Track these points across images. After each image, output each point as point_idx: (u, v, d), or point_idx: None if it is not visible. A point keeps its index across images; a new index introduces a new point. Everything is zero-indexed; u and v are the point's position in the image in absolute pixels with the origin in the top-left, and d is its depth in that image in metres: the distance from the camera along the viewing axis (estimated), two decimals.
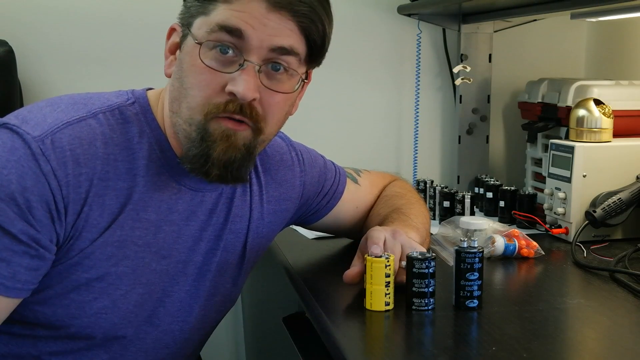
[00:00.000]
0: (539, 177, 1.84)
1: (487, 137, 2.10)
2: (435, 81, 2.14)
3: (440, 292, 1.14)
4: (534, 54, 2.17)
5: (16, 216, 0.97)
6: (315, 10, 1.05)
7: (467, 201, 1.72)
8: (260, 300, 1.85)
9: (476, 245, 1.14)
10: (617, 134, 1.58)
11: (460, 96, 2.07)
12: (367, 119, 2.12)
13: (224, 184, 1.13)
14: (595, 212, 1.49)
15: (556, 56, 2.17)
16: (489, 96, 2.08)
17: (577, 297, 1.27)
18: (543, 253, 1.43)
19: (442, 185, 1.81)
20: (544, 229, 1.59)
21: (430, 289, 1.12)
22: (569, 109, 1.66)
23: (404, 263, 1.14)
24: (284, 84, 1.07)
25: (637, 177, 1.53)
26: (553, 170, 1.60)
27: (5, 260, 0.98)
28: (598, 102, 1.58)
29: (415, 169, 2.12)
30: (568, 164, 1.54)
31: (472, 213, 1.74)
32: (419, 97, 2.11)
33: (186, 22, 1.06)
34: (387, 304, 1.12)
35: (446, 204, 1.75)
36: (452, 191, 1.76)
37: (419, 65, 2.09)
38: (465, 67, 2.00)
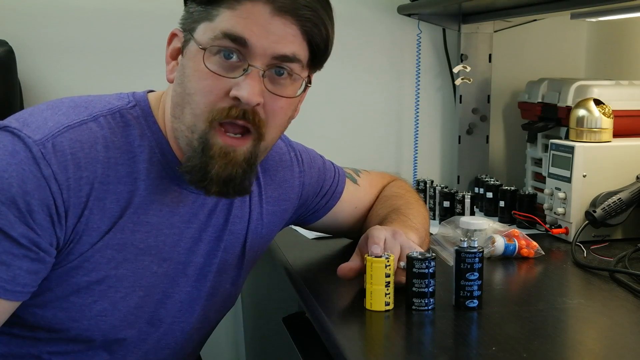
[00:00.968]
0: (539, 177, 1.83)
1: (487, 137, 2.10)
2: (435, 81, 2.14)
3: (440, 292, 1.14)
4: (534, 54, 2.17)
5: (17, 220, 0.97)
6: (318, 14, 1.05)
7: (467, 201, 1.72)
8: (260, 300, 1.85)
9: (476, 245, 1.14)
10: (617, 134, 1.58)
11: (460, 96, 2.07)
12: (367, 118, 2.12)
13: (225, 198, 1.13)
14: (595, 212, 1.49)
15: (556, 56, 2.17)
16: (489, 96, 2.08)
17: (577, 297, 1.27)
18: (543, 253, 1.43)
19: (442, 185, 1.81)
20: (544, 229, 1.59)
21: (430, 289, 1.12)
22: (569, 109, 1.66)
23: (402, 264, 1.14)
24: (287, 88, 1.06)
25: (637, 177, 1.53)
26: (553, 170, 1.60)
27: (5, 264, 0.98)
28: (598, 102, 1.58)
29: (415, 169, 2.12)
30: (568, 164, 1.54)
31: (472, 213, 1.74)
32: (419, 97, 2.11)
33: (189, 27, 1.05)
34: (387, 304, 1.12)
35: (446, 204, 1.75)
36: (452, 191, 1.76)
37: (419, 65, 2.09)
38: (465, 67, 2.00)
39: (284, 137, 1.32)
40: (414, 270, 1.11)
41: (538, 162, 1.85)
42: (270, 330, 1.65)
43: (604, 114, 1.56)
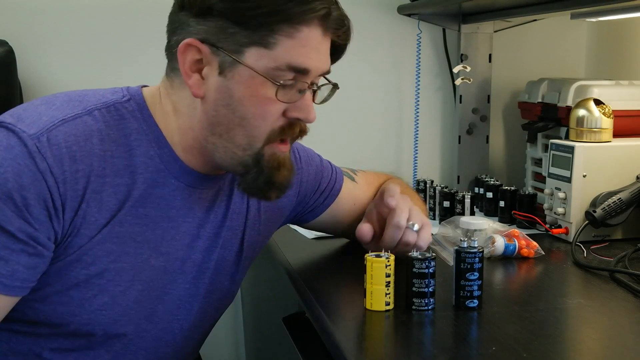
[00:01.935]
0: (539, 177, 1.84)
1: (487, 137, 2.10)
2: (435, 81, 2.14)
3: (440, 292, 1.14)
4: (534, 54, 2.17)
5: (13, 214, 0.97)
6: (349, 29, 1.10)
7: (467, 201, 1.72)
8: (260, 300, 1.85)
9: (476, 245, 1.14)
10: (617, 134, 1.58)
11: (460, 96, 2.07)
12: (367, 118, 2.12)
13: (274, 200, 1.17)
14: (595, 212, 1.49)
15: (556, 56, 2.17)
16: (489, 96, 2.08)
17: (577, 297, 1.27)
18: (543, 253, 1.43)
19: (442, 185, 1.81)
20: (544, 229, 1.59)
21: (430, 289, 1.12)
22: (569, 109, 1.66)
23: (415, 226, 1.25)
24: (318, 96, 1.12)
25: (637, 177, 1.53)
26: (553, 170, 1.60)
27: (3, 259, 0.98)
28: (598, 102, 1.58)
29: (415, 169, 2.12)
30: (568, 164, 1.54)
31: (472, 213, 1.74)
32: (419, 97, 2.11)
33: (229, 47, 1.03)
34: (387, 303, 1.12)
35: (446, 204, 1.75)
36: (452, 191, 1.76)
37: (419, 65, 2.09)
38: (465, 67, 2.00)
39: None
40: (414, 270, 1.11)
41: (538, 162, 1.85)
42: (270, 330, 1.65)
43: (604, 114, 1.56)
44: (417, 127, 2.11)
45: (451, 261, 1.21)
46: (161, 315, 1.15)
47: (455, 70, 2.02)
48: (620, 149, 1.56)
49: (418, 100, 2.11)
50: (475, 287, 1.13)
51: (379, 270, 1.11)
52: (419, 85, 2.10)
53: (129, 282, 1.09)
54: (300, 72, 1.05)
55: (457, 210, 1.72)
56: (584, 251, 1.47)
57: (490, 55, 2.07)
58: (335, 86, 1.14)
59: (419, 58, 2.09)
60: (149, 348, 1.15)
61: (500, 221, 1.67)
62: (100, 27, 1.94)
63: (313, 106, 1.09)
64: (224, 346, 2.17)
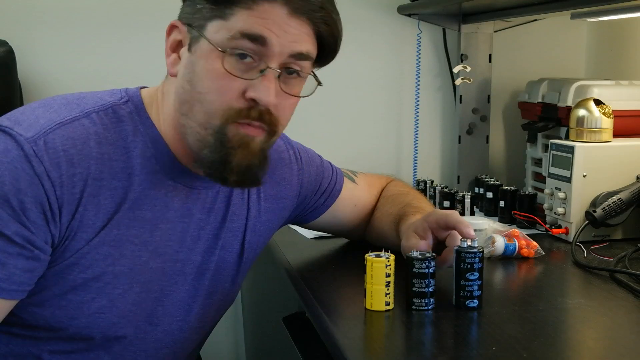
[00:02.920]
0: (539, 177, 1.84)
1: (487, 137, 2.10)
2: (435, 81, 2.14)
3: (440, 292, 1.14)
4: (534, 54, 2.17)
5: (10, 218, 0.97)
6: (332, 15, 1.07)
7: (467, 201, 1.73)
8: (260, 300, 1.85)
9: (476, 245, 1.14)
10: (617, 134, 1.58)
11: (460, 96, 2.07)
12: (367, 118, 2.12)
13: (241, 188, 1.15)
14: (595, 212, 1.49)
15: (556, 56, 2.17)
16: (489, 96, 2.08)
17: (577, 297, 1.27)
18: (543, 253, 1.43)
19: (442, 185, 1.81)
20: (544, 229, 1.59)
21: (430, 289, 1.12)
22: (569, 109, 1.65)
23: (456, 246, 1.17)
24: (295, 87, 1.08)
25: (637, 177, 1.53)
26: (553, 170, 1.60)
27: (0, 262, 0.98)
28: (598, 102, 1.58)
29: (415, 169, 2.12)
30: (568, 164, 1.54)
31: (472, 213, 1.74)
32: (419, 97, 2.11)
33: (196, 24, 1.04)
34: (387, 303, 1.12)
35: (446, 204, 1.75)
36: (452, 191, 1.76)
37: (419, 65, 2.09)
38: (465, 67, 2.00)
39: (283, 136, 1.32)
40: (414, 270, 1.11)
41: (538, 162, 1.85)
42: (270, 330, 1.65)
43: (604, 114, 1.56)
44: (417, 127, 2.11)
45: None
46: (161, 317, 1.14)
47: (455, 70, 2.02)
48: (620, 149, 1.56)
49: (418, 100, 2.11)
50: (476, 287, 1.13)
51: (379, 270, 1.11)
52: (419, 85, 2.10)
53: (127, 285, 1.08)
54: (255, 40, 1.01)
55: (457, 210, 1.72)
56: (584, 251, 1.47)
57: (490, 55, 2.07)
58: (315, 76, 1.09)
59: (419, 58, 2.09)
60: (149, 350, 1.15)
61: (500, 221, 1.67)
62: (100, 28, 1.94)
63: (273, 90, 1.03)
64: (224, 346, 2.17)
